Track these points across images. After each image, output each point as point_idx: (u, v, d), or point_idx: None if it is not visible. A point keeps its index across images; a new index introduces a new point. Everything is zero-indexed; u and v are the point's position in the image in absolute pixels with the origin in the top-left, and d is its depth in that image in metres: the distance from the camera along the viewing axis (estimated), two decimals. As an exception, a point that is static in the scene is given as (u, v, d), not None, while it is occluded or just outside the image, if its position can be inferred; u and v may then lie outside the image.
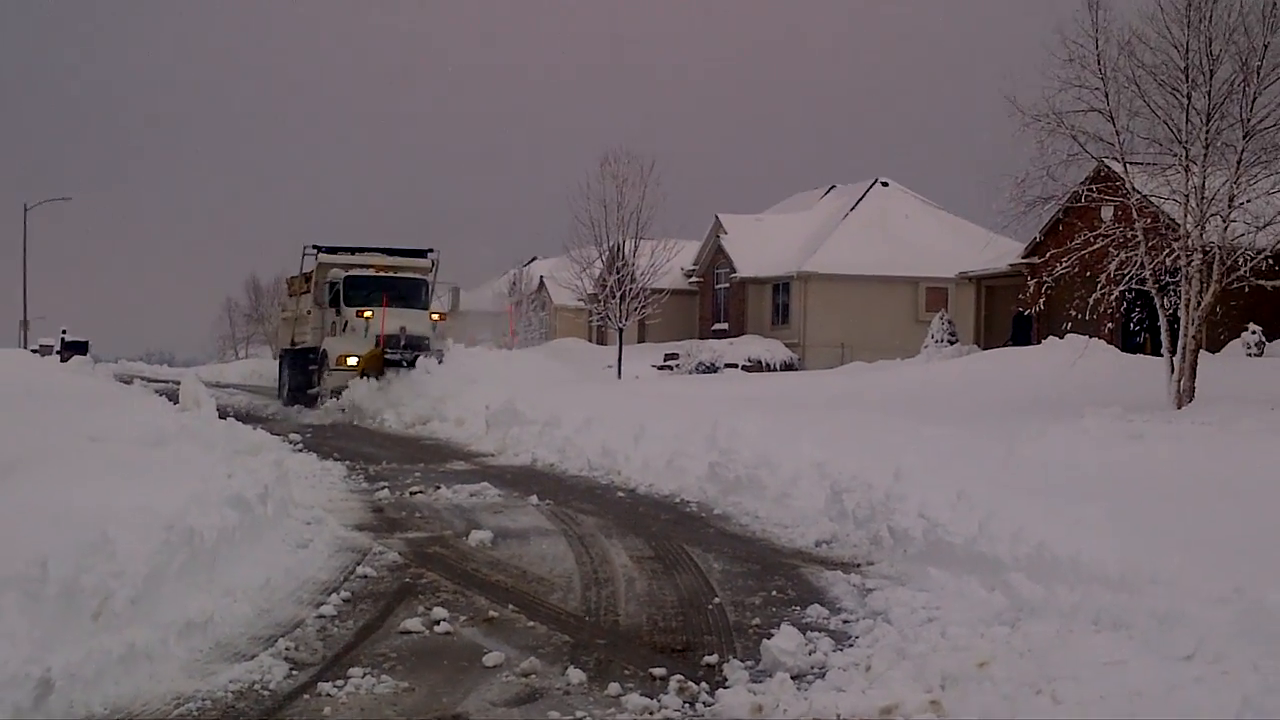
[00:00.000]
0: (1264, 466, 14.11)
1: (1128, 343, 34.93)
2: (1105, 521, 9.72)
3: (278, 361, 38.79)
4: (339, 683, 7.06)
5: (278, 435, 20.63)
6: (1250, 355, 31.78)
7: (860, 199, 58.34)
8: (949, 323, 43.93)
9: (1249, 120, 22.28)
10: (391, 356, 29.09)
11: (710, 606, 9.07)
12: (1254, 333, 32.16)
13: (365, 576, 10.01)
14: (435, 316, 32.15)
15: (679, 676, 7.13)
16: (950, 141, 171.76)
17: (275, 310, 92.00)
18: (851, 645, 7.79)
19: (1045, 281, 24.98)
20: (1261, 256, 22.61)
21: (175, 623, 7.57)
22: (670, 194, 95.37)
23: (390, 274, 33.02)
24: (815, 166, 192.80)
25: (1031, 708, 6.22)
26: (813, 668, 7.33)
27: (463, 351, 30.97)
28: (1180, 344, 22.87)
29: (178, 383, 24.47)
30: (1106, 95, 23.21)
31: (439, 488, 15.49)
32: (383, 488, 15.60)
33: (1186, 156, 22.59)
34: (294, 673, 7.28)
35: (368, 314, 30.46)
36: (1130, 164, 23.75)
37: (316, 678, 7.18)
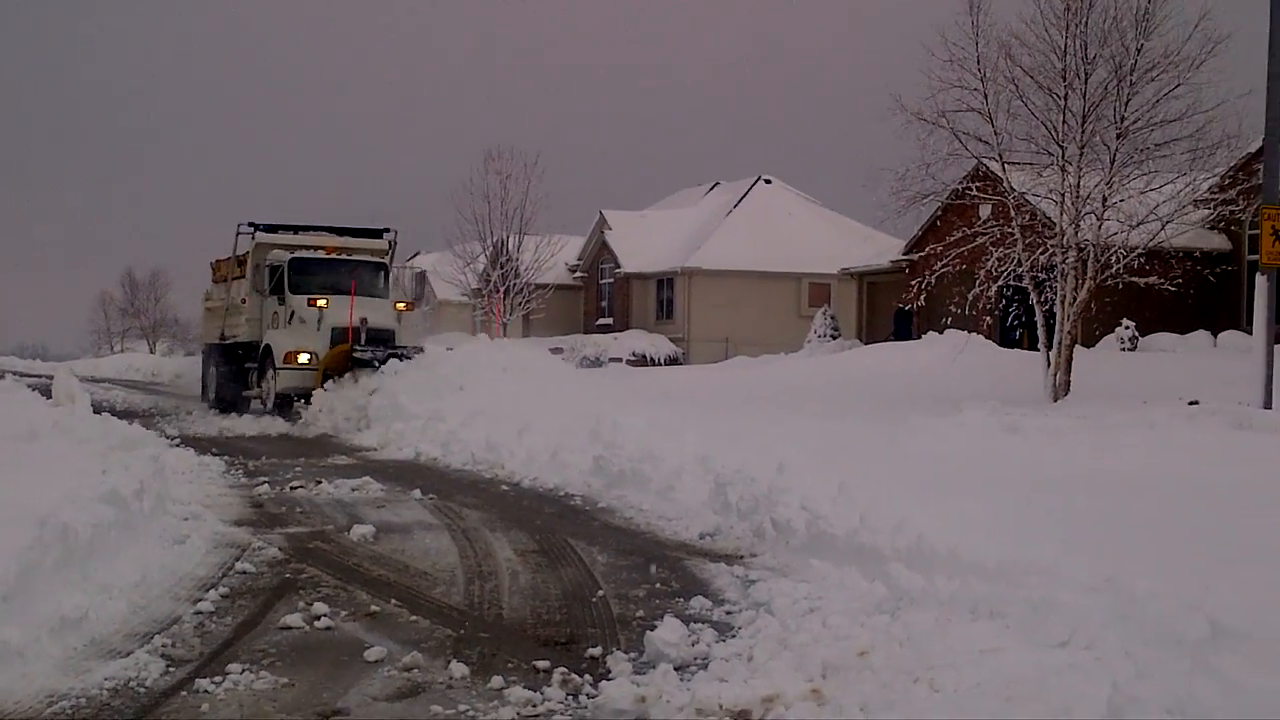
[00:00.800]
0: (1135, 459, 14.44)
1: (1006, 338, 35.60)
2: (983, 513, 9.89)
3: (201, 358, 33.43)
4: (217, 679, 6.94)
5: (154, 430, 20.29)
6: (1124, 350, 32.54)
7: (743, 196, 58.79)
8: (831, 318, 44.42)
9: (1122, 122, 22.84)
10: (361, 355, 24.66)
11: (594, 599, 9.07)
12: (1127, 328, 32.94)
13: (244, 572, 9.87)
14: (400, 306, 27.74)
15: (563, 669, 7.12)
16: (835, 140, 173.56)
17: (150, 304, 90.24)
18: (734, 636, 7.82)
19: (925, 278, 25.34)
20: (1134, 254, 23.17)
21: (48, 620, 7.40)
22: (554, 190, 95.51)
23: (343, 256, 28.50)
24: (700, 164, 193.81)
25: (910, 695, 6.30)
26: (696, 659, 7.36)
27: (492, 343, 27.71)
28: (1056, 339, 23.36)
29: (51, 377, 23.97)
30: (986, 96, 23.67)
31: (320, 482, 15.34)
32: (262, 483, 15.40)
33: (1063, 157, 23.09)
34: (171, 669, 7.15)
35: (321, 303, 26.02)
36: (1008, 163, 24.22)
37: (194, 674, 7.05)
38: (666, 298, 55.56)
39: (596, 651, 7.56)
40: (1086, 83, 22.91)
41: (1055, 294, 23.54)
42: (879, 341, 40.06)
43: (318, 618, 8.34)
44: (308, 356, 25.64)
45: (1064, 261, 23.15)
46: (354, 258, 28.45)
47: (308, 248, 28.50)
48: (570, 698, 6.72)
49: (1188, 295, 26.28)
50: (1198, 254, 31.72)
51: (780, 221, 56.22)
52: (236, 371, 28.63)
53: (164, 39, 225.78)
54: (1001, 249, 24.06)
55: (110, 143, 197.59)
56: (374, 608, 8.70)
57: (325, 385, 24.79)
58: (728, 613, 8.56)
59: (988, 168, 25.49)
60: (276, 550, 10.81)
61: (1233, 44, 22.62)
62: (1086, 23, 22.92)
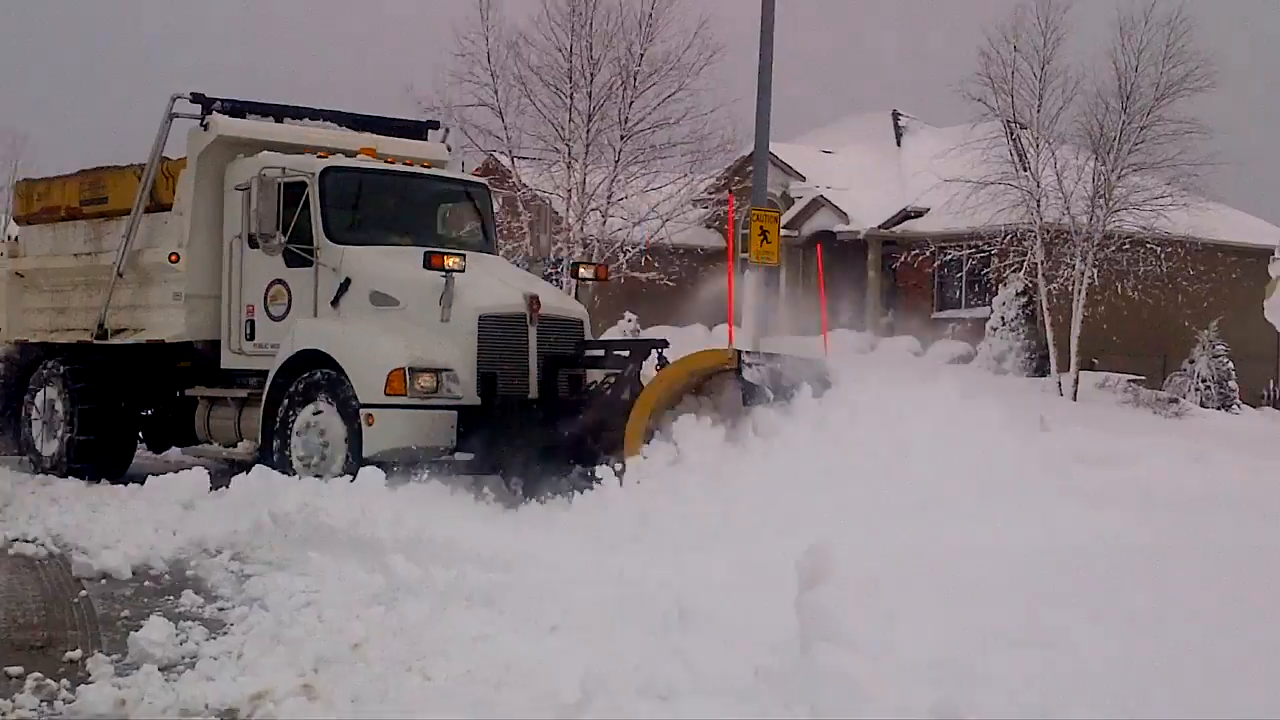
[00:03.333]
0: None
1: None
2: (481, 503, 10.06)
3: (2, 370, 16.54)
4: None
5: None
6: (626, 342, 33.94)
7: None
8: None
9: (626, 123, 23.83)
10: (753, 376, 11.30)
11: (76, 600, 8.62)
12: (630, 320, 34.34)
13: None
14: (585, 272, 14.36)
15: (37, 674, 6.71)
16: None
17: None
18: (226, 633, 7.61)
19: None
20: (636, 250, 24.22)
21: None
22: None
23: (418, 169, 14.40)
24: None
25: (402, 685, 6.33)
26: (184, 658, 7.11)
27: None
28: (560, 331, 24.06)
29: None
30: (496, 92, 24.11)
31: None
32: None
33: (569, 154, 23.83)
34: None
35: (453, 263, 12.21)
36: (518, 158, 24.79)
37: None
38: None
39: (76, 655, 7.18)
40: (592, 83, 23.77)
41: (561, 287, 24.27)
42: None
43: None
44: (432, 379, 11.99)
45: (570, 256, 23.89)
46: (441, 174, 14.98)
47: (322, 150, 13.65)
48: (45, 704, 6.36)
49: (686, 290, 27.64)
50: (697, 250, 33.40)
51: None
52: (129, 404, 14.90)
53: None
54: (511, 242, 24.58)
55: None
56: None
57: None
58: (220, 609, 8.32)
59: (498, 162, 25.98)
60: None
61: (728, 53, 24.03)
62: (591, 25, 23.78)
